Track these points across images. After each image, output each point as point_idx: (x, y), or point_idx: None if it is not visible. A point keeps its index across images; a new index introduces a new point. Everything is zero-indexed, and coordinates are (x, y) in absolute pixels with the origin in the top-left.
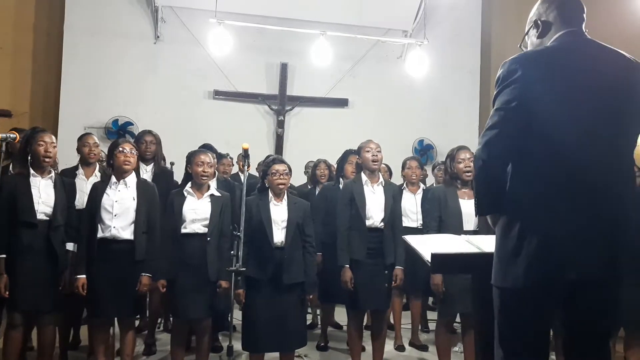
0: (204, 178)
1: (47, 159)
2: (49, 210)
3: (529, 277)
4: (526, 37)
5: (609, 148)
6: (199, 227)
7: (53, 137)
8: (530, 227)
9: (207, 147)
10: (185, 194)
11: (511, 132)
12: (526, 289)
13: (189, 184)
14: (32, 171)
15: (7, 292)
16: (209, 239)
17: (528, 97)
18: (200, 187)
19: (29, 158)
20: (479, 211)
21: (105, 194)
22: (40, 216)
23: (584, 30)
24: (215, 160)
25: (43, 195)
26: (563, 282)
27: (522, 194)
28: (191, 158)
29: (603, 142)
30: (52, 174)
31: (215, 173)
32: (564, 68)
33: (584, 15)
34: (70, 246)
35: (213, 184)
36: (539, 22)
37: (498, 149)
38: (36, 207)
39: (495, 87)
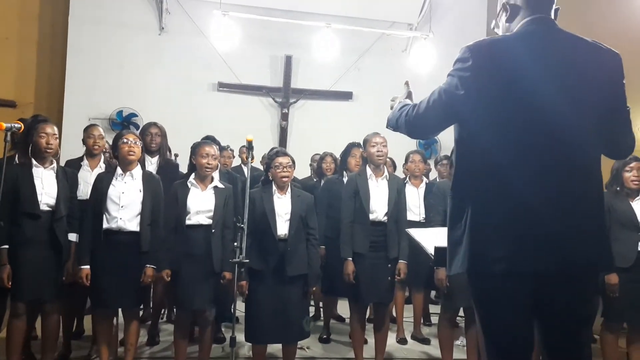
0: (207, 170)
1: (48, 151)
2: (52, 201)
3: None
4: (497, 19)
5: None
6: (203, 219)
7: (55, 128)
8: (477, 220)
9: (209, 139)
10: (189, 185)
11: (447, 116)
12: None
13: (193, 176)
14: (34, 162)
15: (10, 283)
16: (213, 230)
17: (473, 88)
18: (204, 179)
19: (30, 148)
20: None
21: (111, 185)
22: (43, 207)
23: (552, 15)
24: (219, 152)
25: (46, 186)
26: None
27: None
28: (195, 149)
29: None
30: (54, 164)
31: (219, 165)
32: (515, 61)
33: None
34: (72, 237)
35: (216, 175)
36: (507, 5)
37: (429, 128)
38: (39, 197)
39: (452, 66)
